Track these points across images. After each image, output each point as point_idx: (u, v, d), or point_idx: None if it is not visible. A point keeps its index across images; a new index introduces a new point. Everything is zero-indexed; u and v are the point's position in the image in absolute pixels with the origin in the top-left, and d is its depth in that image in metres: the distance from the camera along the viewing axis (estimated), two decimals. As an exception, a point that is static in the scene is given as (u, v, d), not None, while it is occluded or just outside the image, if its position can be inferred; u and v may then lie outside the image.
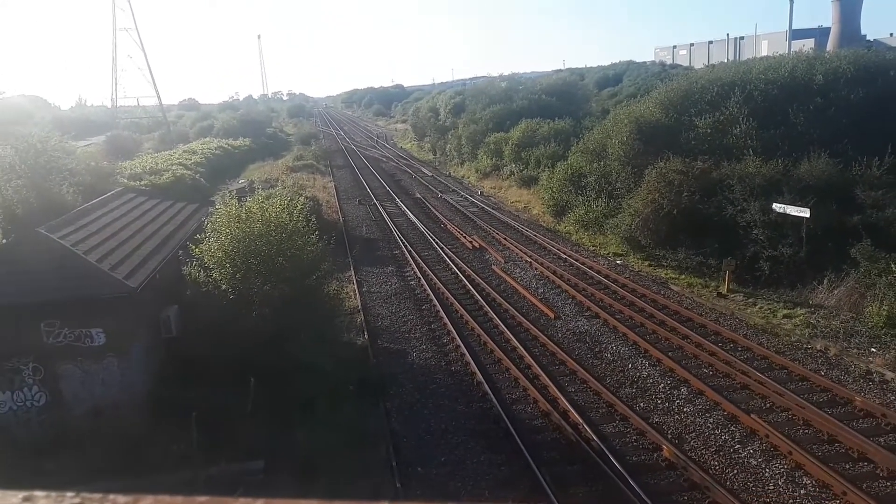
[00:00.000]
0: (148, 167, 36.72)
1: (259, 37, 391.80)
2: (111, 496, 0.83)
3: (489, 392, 14.76)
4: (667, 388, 14.65)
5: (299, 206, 17.99)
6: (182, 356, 14.82)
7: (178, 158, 42.94)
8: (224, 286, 15.78)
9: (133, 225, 17.60)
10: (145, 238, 16.79)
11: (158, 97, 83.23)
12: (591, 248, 26.61)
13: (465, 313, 19.72)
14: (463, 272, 23.89)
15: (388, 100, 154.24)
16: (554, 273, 23.02)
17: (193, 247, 16.26)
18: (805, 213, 19.33)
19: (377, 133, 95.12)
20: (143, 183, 31.01)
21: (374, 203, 39.04)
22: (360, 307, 21.00)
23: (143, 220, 18.27)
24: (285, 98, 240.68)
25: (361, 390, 14.79)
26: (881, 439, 11.96)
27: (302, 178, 45.35)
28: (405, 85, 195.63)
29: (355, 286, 23.13)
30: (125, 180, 30.35)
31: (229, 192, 20.50)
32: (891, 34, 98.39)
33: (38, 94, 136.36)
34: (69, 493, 0.85)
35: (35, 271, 13.54)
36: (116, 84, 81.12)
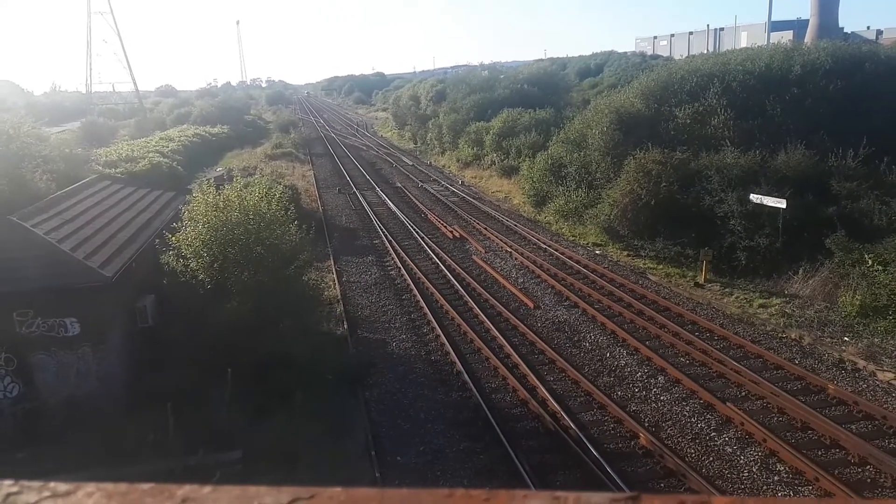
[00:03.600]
0: (124, 154, 36.12)
1: (238, 22, 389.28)
2: (51, 483, 0.80)
3: (469, 381, 14.80)
4: (644, 376, 14.79)
5: (278, 195, 17.82)
6: (158, 346, 14.67)
7: (154, 146, 42.32)
8: (201, 275, 15.60)
9: (108, 213, 17.34)
10: (121, 227, 16.55)
11: (134, 83, 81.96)
12: (571, 238, 26.71)
13: (446, 303, 19.72)
14: (443, 262, 23.88)
15: (368, 87, 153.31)
16: (534, 263, 23.08)
17: (170, 235, 16.06)
18: (781, 203, 19.53)
19: (357, 121, 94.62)
20: (118, 170, 30.50)
21: (354, 192, 38.84)
22: (339, 297, 20.91)
23: (118, 209, 18.01)
24: (264, 85, 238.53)
25: (340, 380, 14.75)
26: (853, 426, 12.18)
27: (281, 167, 45.05)
28: (386, 73, 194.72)
29: (335, 276, 23.02)
30: (100, 168, 29.85)
31: (207, 180, 20.26)
32: (867, 27, 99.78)
33: (10, 79, 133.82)
34: (7, 481, 0.82)
35: (7, 260, 13.29)
36: (91, 69, 79.83)
